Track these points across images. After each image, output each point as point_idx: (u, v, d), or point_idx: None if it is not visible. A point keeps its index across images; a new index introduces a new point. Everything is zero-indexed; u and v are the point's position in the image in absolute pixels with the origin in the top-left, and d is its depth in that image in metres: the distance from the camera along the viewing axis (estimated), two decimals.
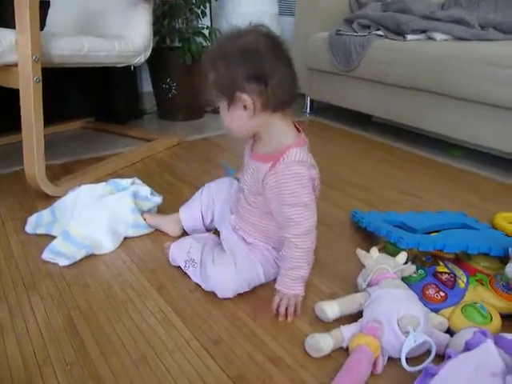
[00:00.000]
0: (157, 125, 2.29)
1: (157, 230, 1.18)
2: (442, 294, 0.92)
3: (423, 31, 1.97)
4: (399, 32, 1.98)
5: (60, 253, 1.04)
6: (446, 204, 1.41)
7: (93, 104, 2.16)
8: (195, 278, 0.97)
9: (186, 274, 0.99)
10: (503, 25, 1.97)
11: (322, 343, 0.79)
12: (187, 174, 1.61)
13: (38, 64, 1.21)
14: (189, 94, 2.18)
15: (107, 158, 1.64)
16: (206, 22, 2.26)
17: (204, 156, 1.79)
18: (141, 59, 1.62)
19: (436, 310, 0.88)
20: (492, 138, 1.71)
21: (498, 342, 0.69)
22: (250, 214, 0.97)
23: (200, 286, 0.96)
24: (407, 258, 0.96)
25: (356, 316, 0.85)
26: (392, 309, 0.80)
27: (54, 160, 1.61)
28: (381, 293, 0.86)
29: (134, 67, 1.75)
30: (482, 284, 0.94)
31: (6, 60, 1.18)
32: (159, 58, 2.04)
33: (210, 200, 1.13)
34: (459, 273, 0.98)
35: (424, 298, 0.90)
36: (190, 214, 1.15)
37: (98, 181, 1.29)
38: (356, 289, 0.96)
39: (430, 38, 1.95)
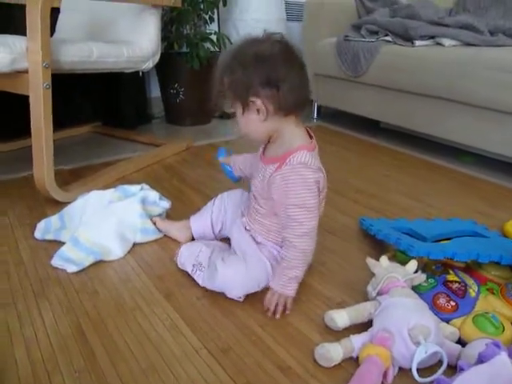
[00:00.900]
0: (165, 130, 2.30)
1: (165, 235, 1.18)
2: (452, 303, 0.91)
3: (431, 37, 1.96)
4: (407, 38, 1.98)
5: (69, 259, 1.04)
6: (455, 211, 1.39)
7: (101, 109, 2.17)
8: (202, 282, 0.97)
9: (193, 280, 0.99)
10: None
11: (332, 353, 0.79)
12: (196, 179, 1.61)
13: (48, 70, 1.21)
14: (196, 99, 2.18)
15: (116, 164, 1.64)
16: (213, 27, 2.27)
17: (212, 162, 1.78)
18: (149, 65, 1.62)
19: (447, 320, 0.87)
20: (501, 145, 1.70)
21: (511, 355, 0.68)
22: (260, 215, 0.99)
23: (207, 293, 0.96)
24: (417, 267, 0.95)
25: (366, 325, 0.85)
26: (402, 318, 0.80)
27: (62, 165, 1.62)
28: (391, 302, 0.85)
29: (143, 72, 1.75)
30: (493, 293, 0.93)
31: (16, 67, 1.19)
32: (167, 63, 2.05)
33: (221, 209, 1.14)
34: (470, 282, 0.97)
35: (435, 308, 0.89)
36: (200, 221, 1.15)
37: (106, 186, 1.30)
38: (366, 297, 0.95)
39: (438, 44, 1.94)
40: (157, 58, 1.65)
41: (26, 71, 1.21)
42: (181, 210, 1.25)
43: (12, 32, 1.25)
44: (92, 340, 0.82)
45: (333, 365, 0.78)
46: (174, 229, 1.17)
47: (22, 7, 1.17)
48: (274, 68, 0.84)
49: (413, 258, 0.97)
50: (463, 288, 0.94)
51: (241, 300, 0.94)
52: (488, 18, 2.07)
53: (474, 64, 1.70)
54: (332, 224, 1.29)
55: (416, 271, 0.94)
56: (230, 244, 1.07)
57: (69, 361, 0.77)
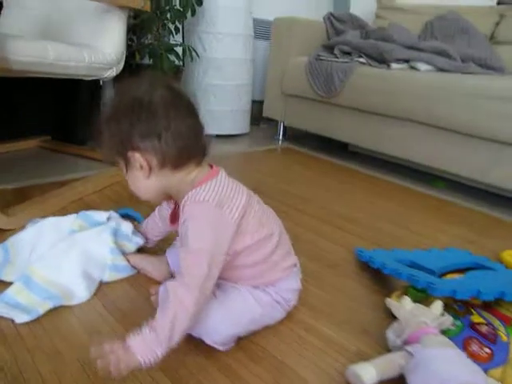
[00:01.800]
0: None
1: (138, 272, 0.98)
2: (487, 350, 0.79)
3: (406, 61, 1.93)
4: (382, 60, 1.93)
5: (17, 305, 0.82)
6: (445, 240, 1.33)
7: (49, 121, 1.91)
8: None
9: None
10: (481, 60, 1.98)
11: None
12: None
13: None
14: None
15: (70, 183, 1.40)
16: (177, 39, 2.11)
17: None
18: (112, 73, 1.43)
19: (484, 371, 0.75)
20: (474, 170, 1.68)
21: None
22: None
23: (199, 343, 0.77)
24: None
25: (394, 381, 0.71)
26: (448, 376, 0.66)
27: (4, 184, 1.36)
28: (428, 354, 0.71)
29: (102, 83, 1.55)
30: None
31: None
32: (127, 75, 1.85)
33: None
34: (496, 323, 0.87)
35: (468, 356, 0.77)
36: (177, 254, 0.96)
37: (60, 210, 1.08)
38: (384, 344, 0.82)
39: (412, 68, 1.91)
40: (121, 66, 1.46)
41: None
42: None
43: None
44: None
45: None
46: (151, 265, 0.97)
47: None
48: (153, 116, 0.72)
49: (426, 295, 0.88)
50: (493, 331, 0.84)
51: (224, 349, 0.77)
52: (455, 46, 2.08)
53: (450, 89, 1.68)
54: (329, 256, 1.16)
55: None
56: None
57: None
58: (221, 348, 0.77)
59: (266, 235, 0.81)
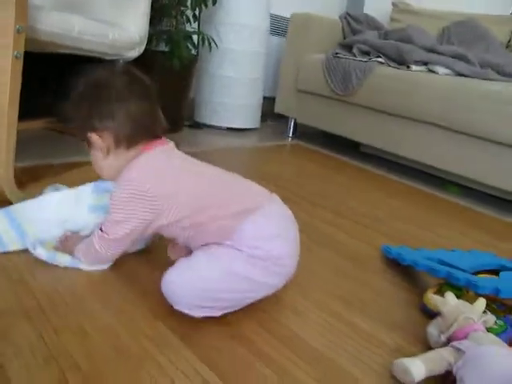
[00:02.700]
0: None
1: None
2: None
3: (425, 63, 1.91)
4: (401, 61, 1.91)
5: None
6: (462, 241, 1.31)
7: (57, 102, 1.84)
8: None
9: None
10: (499, 66, 1.97)
11: None
12: None
13: (22, 36, 0.94)
14: (170, 103, 1.94)
15: (82, 165, 1.35)
16: (194, 27, 2.07)
17: None
18: (134, 53, 1.38)
19: None
20: (490, 175, 1.66)
21: None
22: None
23: (237, 333, 0.74)
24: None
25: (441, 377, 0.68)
26: (509, 374, 0.63)
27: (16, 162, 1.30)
28: (481, 352, 0.68)
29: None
30: None
31: None
32: (142, 61, 1.80)
33: None
34: None
35: None
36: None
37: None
38: (423, 341, 0.79)
39: (430, 71, 1.89)
40: (143, 47, 1.42)
41: None
42: None
43: None
44: None
45: None
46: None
47: None
48: (109, 98, 0.79)
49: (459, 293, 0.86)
50: None
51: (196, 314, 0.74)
52: (473, 51, 2.08)
53: (468, 93, 1.67)
54: (355, 253, 1.13)
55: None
56: None
57: None
58: (191, 313, 0.73)
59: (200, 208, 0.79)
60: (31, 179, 1.21)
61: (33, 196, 1.04)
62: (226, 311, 0.76)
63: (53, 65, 1.48)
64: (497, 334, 0.77)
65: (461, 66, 1.86)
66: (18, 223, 0.89)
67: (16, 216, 0.89)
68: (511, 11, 2.44)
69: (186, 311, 0.73)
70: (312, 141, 2.33)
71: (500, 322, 0.82)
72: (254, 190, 0.85)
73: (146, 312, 0.76)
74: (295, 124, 2.40)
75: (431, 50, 1.94)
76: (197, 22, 2.03)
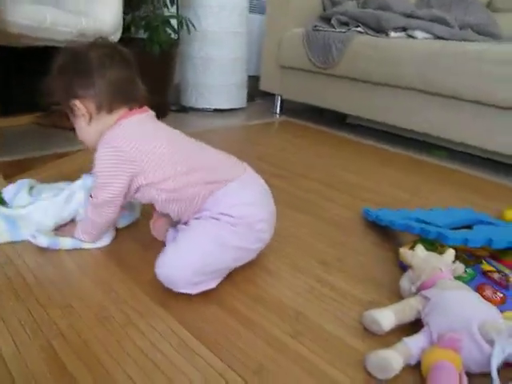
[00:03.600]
0: None
1: None
2: (500, 294, 0.80)
3: (404, 29, 1.91)
4: (380, 29, 1.91)
5: None
6: (452, 203, 1.31)
7: (41, 95, 1.86)
8: None
9: None
10: (479, 27, 1.97)
11: (392, 360, 0.63)
12: None
13: None
14: (153, 90, 1.95)
15: (69, 155, 1.38)
16: (172, 12, 2.07)
17: None
18: None
19: None
20: (476, 137, 1.66)
21: None
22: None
23: (213, 294, 0.78)
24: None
25: (410, 325, 0.72)
26: (468, 314, 0.67)
27: (1, 157, 1.34)
28: (445, 296, 0.71)
29: None
30: None
31: None
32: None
33: None
34: (506, 270, 0.88)
35: None
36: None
37: (64, 178, 1.07)
38: (397, 294, 0.82)
39: (410, 36, 1.89)
40: (118, 36, 1.43)
41: None
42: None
43: None
44: (77, 373, 0.59)
45: (392, 375, 0.63)
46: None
47: None
48: (88, 67, 0.83)
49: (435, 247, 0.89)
50: (504, 278, 0.84)
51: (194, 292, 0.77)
52: (452, 14, 2.07)
53: (449, 55, 1.66)
54: (335, 218, 1.16)
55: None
56: None
57: None
58: (189, 291, 0.76)
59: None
60: (19, 171, 1.25)
61: None
62: (219, 280, 0.80)
63: (37, 59, 1.50)
64: (466, 282, 0.81)
65: (440, 28, 1.85)
66: (13, 220, 0.91)
67: (9, 214, 0.92)
68: None
69: (184, 291, 0.76)
70: (300, 116, 2.34)
71: (469, 271, 0.86)
72: (229, 161, 0.89)
73: (133, 286, 0.80)
74: (282, 101, 2.41)
75: (410, 16, 1.93)
76: (175, 6, 2.03)
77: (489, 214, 1.15)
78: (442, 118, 1.74)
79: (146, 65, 1.90)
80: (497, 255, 0.93)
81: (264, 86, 2.41)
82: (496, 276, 0.85)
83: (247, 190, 0.84)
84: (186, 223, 0.84)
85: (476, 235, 0.88)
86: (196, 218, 0.82)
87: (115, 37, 1.42)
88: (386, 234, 1.08)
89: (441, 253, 0.84)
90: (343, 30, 1.98)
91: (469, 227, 1.02)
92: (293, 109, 2.45)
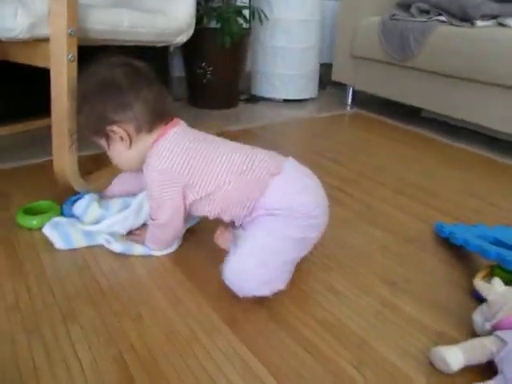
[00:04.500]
0: (187, 113, 2.08)
1: None
2: None
3: (493, 17, 1.75)
4: (466, 18, 1.77)
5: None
6: None
7: None
8: None
9: (258, 302, 0.80)
10: None
11: None
12: None
13: (74, 39, 1.01)
14: (225, 79, 1.97)
15: None
16: (244, 1, 2.04)
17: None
18: (183, 38, 1.42)
19: None
20: None
21: None
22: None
23: (274, 312, 0.79)
24: None
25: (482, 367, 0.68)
26: None
27: (80, 151, 1.41)
28: None
29: (168, 49, 1.54)
30: None
31: (36, 33, 0.98)
32: (194, 39, 1.83)
33: None
34: None
35: None
36: None
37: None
38: (469, 327, 0.77)
39: (501, 25, 1.73)
40: (191, 32, 1.44)
41: (47, 39, 1.01)
42: None
43: None
44: None
45: None
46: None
47: None
48: (121, 90, 0.83)
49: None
50: None
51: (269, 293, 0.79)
52: None
53: None
54: (404, 230, 1.11)
55: None
56: None
57: None
58: (260, 293, 0.78)
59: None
60: (96, 167, 1.31)
61: (96, 186, 1.14)
62: (287, 280, 0.81)
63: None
64: None
65: None
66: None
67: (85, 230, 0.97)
68: None
69: (256, 293, 0.77)
70: (372, 108, 2.25)
71: None
72: (270, 156, 0.87)
73: (199, 299, 0.82)
74: (354, 91, 2.32)
75: (501, 1, 1.76)
76: None
77: None
78: None
79: (218, 55, 1.94)
80: None
81: (336, 76, 2.34)
82: None
83: (295, 180, 0.85)
84: (241, 225, 0.87)
85: None
86: (251, 219, 0.84)
87: (188, 33, 1.43)
88: (459, 252, 1.02)
89: None
90: (423, 20, 1.86)
91: None
92: (365, 100, 2.36)
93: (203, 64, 1.91)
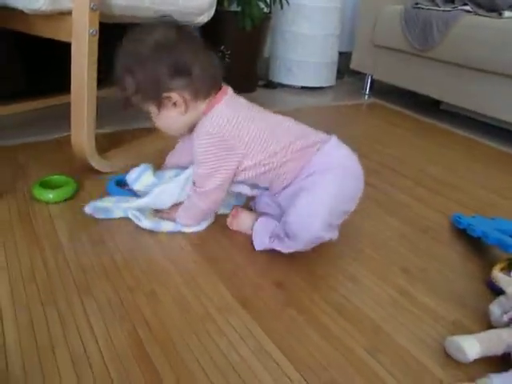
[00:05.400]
0: None
1: None
2: None
3: None
4: (492, 7, 1.73)
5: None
6: None
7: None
8: (284, 248, 0.85)
9: (271, 279, 0.81)
10: None
11: None
12: None
13: (96, 14, 1.00)
14: (244, 63, 1.95)
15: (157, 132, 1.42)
16: None
17: None
18: (204, 19, 1.40)
19: None
20: None
21: None
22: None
23: (293, 299, 0.78)
24: None
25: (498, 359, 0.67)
26: None
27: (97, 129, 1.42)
28: None
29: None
30: None
31: (58, 7, 0.98)
32: (214, 22, 1.81)
33: None
34: None
35: None
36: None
37: (149, 155, 1.12)
38: (484, 317, 0.77)
39: None
40: (212, 12, 1.42)
41: (69, 13, 1.00)
42: None
43: None
44: (157, 361, 0.63)
45: None
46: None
47: None
48: (180, 53, 0.79)
49: None
50: None
51: (334, 237, 0.87)
52: None
53: None
54: (422, 221, 1.10)
55: None
56: None
57: None
58: (327, 237, 0.84)
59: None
60: (112, 145, 1.31)
61: (115, 164, 1.14)
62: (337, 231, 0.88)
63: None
64: None
65: None
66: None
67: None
68: None
69: (320, 234, 0.81)
70: (390, 98, 2.22)
71: None
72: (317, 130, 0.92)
73: (214, 278, 0.82)
74: (372, 81, 2.29)
75: None
76: None
77: None
78: None
79: (237, 38, 1.91)
80: None
81: (355, 64, 2.30)
82: None
83: (342, 146, 0.90)
84: (285, 187, 0.88)
85: None
86: (306, 177, 0.85)
87: (209, 13, 1.42)
88: (476, 244, 1.01)
89: None
90: (448, 9, 1.82)
91: None
92: (383, 89, 2.33)
93: (222, 47, 1.89)
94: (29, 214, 0.97)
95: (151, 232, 0.93)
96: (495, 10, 1.71)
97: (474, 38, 1.70)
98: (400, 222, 1.08)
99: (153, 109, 0.84)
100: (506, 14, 1.68)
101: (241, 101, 0.89)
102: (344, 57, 2.46)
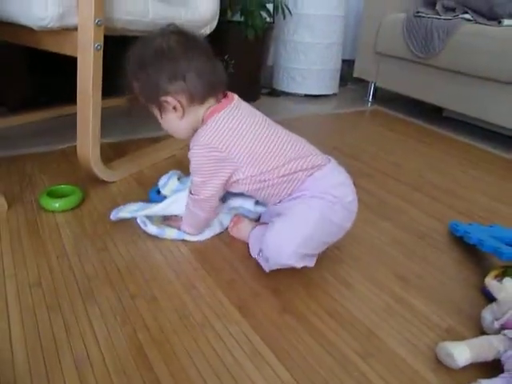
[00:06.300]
0: None
1: None
2: None
3: None
4: (493, 16, 1.74)
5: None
6: None
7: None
8: (264, 266, 0.88)
9: (269, 285, 0.84)
10: None
11: None
12: None
13: (101, 29, 1.03)
14: (247, 73, 1.98)
15: (163, 141, 1.46)
16: None
17: None
18: (206, 31, 1.43)
19: None
20: None
21: None
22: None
23: (288, 305, 0.80)
24: None
25: (488, 365, 0.69)
26: None
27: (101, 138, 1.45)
28: None
29: None
30: None
31: (64, 23, 1.02)
32: (218, 32, 1.85)
33: None
34: None
35: None
36: None
37: (155, 165, 1.15)
38: (478, 324, 0.78)
39: None
40: (214, 24, 1.46)
41: (74, 29, 1.04)
42: None
43: None
44: (156, 365, 0.66)
45: None
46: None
47: None
48: (175, 60, 0.82)
49: None
50: None
51: (310, 265, 0.86)
52: None
53: None
54: (418, 227, 1.11)
55: None
56: None
57: None
58: (298, 266, 0.83)
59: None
60: (117, 154, 1.35)
61: (120, 174, 1.17)
62: (315, 258, 0.88)
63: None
64: None
65: None
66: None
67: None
68: None
69: (290, 262, 0.82)
70: (392, 106, 2.24)
71: None
72: (316, 150, 0.91)
73: (213, 286, 0.84)
74: (375, 88, 2.31)
75: None
76: None
77: None
78: None
79: (241, 48, 1.95)
80: None
81: (358, 72, 2.33)
82: None
83: (339, 173, 0.90)
84: (279, 203, 0.90)
85: None
86: (293, 199, 0.86)
87: (212, 25, 1.45)
88: (472, 252, 1.02)
89: None
90: (449, 17, 1.84)
91: None
92: (386, 97, 2.35)
93: (226, 57, 1.92)
94: (36, 223, 1.00)
95: (154, 240, 0.96)
96: (495, 18, 1.73)
97: (474, 45, 1.72)
98: (396, 228, 1.10)
99: (156, 112, 0.89)
100: (506, 22, 1.69)
101: (244, 112, 0.89)
102: (347, 64, 2.49)
